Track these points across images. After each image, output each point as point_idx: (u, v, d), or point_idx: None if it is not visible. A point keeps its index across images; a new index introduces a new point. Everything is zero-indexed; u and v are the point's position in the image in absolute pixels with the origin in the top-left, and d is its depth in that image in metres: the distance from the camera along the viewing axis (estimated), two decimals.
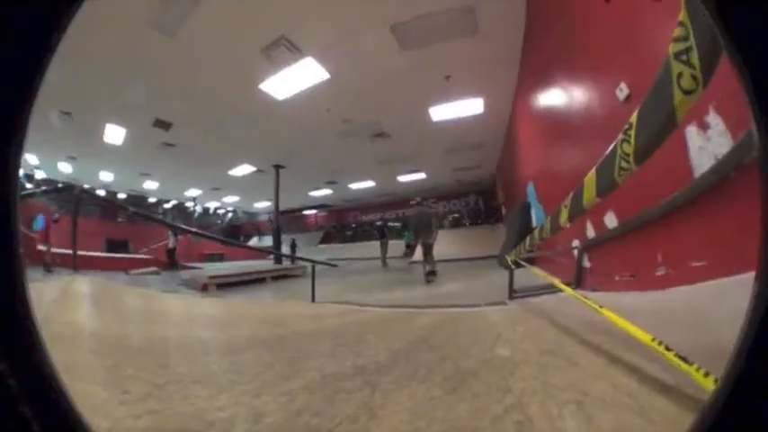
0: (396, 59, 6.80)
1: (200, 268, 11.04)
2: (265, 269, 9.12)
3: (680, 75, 0.93)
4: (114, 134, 9.89)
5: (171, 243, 11.26)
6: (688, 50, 0.89)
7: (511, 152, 9.61)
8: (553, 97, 4.72)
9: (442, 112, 9.17)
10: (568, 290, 2.09)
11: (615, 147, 1.35)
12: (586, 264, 3.37)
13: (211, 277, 7.44)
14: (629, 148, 1.25)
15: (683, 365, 0.74)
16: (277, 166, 12.85)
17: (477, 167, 14.57)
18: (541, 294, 3.16)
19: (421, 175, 15.27)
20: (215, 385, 1.51)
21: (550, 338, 1.81)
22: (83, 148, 10.72)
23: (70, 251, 5.12)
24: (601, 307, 1.38)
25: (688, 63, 0.90)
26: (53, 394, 0.39)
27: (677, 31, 0.92)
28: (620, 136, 1.30)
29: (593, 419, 0.93)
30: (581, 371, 1.28)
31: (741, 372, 0.38)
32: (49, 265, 7.16)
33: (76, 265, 4.88)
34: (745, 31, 0.39)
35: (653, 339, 0.90)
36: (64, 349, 1.64)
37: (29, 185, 10.66)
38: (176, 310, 3.27)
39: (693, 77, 0.88)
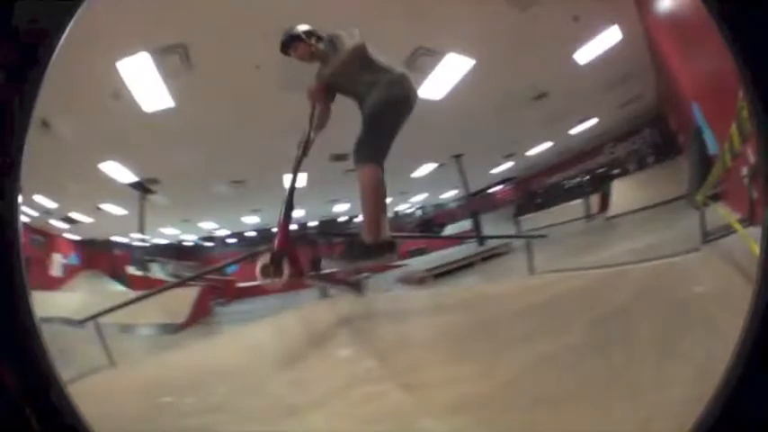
0: (519, 22, 6.81)
1: (406, 265, 11.88)
2: (472, 253, 9.28)
3: None
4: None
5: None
6: None
7: (664, 72, 8.15)
8: None
9: (585, 54, 8.55)
10: (738, 226, 2.09)
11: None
12: (754, 195, 2.98)
13: (427, 270, 8.17)
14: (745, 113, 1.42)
15: None
16: (457, 156, 13.26)
17: (640, 97, 12.62)
18: (732, 234, 3.00)
19: (593, 121, 13.88)
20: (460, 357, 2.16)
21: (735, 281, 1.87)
22: (264, 200, 12.53)
23: None
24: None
25: None
26: (53, 394, 0.39)
27: None
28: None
29: None
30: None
31: (741, 372, 0.39)
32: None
33: None
34: (744, 34, 0.39)
35: None
36: None
37: (209, 244, 12.67)
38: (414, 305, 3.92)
39: None
